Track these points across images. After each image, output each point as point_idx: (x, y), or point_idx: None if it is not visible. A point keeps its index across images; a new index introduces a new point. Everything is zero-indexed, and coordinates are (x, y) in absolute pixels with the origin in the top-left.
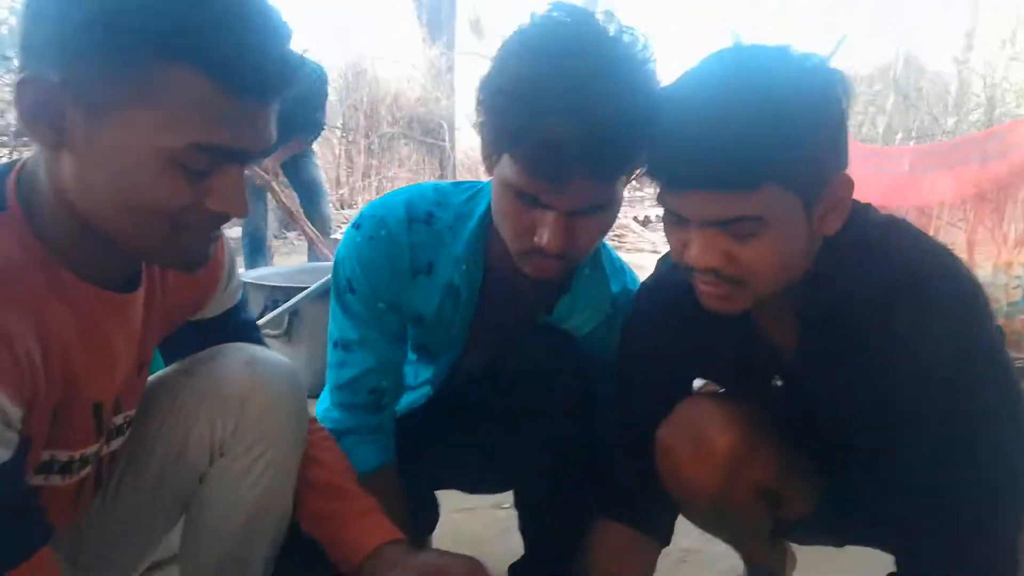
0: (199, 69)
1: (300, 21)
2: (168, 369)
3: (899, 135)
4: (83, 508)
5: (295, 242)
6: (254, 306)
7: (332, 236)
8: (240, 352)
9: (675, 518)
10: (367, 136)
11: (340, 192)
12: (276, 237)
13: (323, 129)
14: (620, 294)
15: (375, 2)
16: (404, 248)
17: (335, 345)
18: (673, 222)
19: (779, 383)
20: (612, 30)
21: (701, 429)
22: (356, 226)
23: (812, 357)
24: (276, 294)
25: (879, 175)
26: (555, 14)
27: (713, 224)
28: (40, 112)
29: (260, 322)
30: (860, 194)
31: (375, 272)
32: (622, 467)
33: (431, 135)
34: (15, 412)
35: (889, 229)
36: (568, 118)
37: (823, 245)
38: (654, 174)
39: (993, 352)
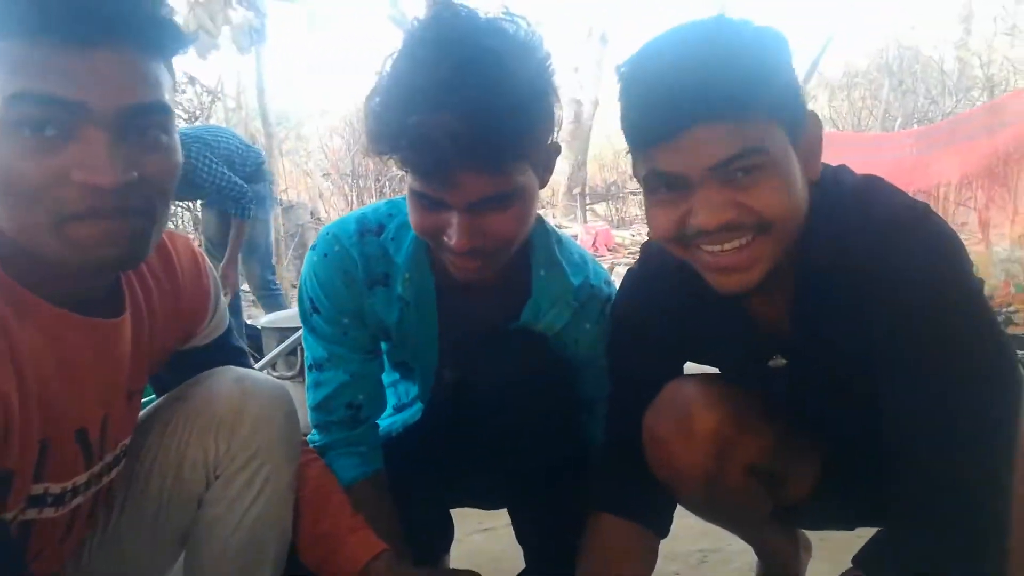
0: None
1: (311, 71)
2: (161, 399)
3: (898, 120)
4: (76, 543)
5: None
6: (268, 350)
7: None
8: (229, 372)
9: (673, 508)
10: (377, 180)
11: None
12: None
13: (247, 199)
14: (582, 287)
15: (382, 49)
16: (356, 260)
17: (309, 369)
18: (663, 194)
19: (782, 362)
20: (490, 22)
21: (685, 410)
22: (313, 247)
23: (806, 330)
24: (288, 335)
25: (881, 162)
26: (435, 13)
27: (717, 170)
28: None
29: (264, 361)
30: None
31: (333, 287)
32: (613, 458)
33: None
34: None
35: (864, 188)
36: (437, 112)
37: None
38: (640, 133)
39: (973, 296)
